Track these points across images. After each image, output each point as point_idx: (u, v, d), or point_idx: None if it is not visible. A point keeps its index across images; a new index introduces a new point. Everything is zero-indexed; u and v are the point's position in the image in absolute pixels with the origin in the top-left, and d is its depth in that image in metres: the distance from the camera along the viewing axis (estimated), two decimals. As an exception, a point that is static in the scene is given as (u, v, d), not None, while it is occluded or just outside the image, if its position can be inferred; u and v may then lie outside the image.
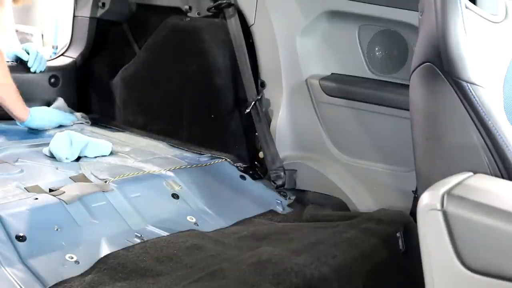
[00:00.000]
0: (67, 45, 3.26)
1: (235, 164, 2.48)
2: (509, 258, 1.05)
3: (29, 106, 2.65)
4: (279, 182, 2.43)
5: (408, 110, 1.44)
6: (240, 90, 2.56)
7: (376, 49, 2.28)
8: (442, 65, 1.26)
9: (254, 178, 2.45)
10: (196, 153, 2.58)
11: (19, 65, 2.91)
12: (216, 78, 2.59)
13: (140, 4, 3.10)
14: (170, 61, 2.76)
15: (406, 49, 2.19)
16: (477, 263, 1.08)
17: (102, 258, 1.70)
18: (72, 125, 2.83)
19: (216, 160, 2.48)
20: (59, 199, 1.87)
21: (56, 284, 1.57)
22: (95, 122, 3.04)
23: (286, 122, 2.47)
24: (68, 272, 1.64)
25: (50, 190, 1.96)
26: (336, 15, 2.30)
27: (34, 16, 5.67)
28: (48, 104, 2.93)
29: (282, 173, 2.43)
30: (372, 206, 2.21)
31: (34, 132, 2.67)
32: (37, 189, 1.97)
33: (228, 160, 2.49)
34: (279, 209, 2.29)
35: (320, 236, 1.87)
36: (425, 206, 1.13)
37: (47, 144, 2.39)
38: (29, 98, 2.73)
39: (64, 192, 1.92)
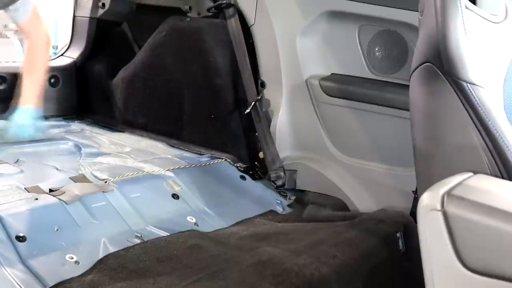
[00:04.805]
0: (67, 45, 3.26)
1: (235, 164, 2.48)
2: (509, 258, 1.05)
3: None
4: (279, 182, 2.43)
5: (408, 110, 1.43)
6: (240, 90, 2.56)
7: (376, 49, 2.28)
8: (442, 65, 1.26)
9: (254, 178, 2.45)
10: (196, 153, 2.58)
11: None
12: (216, 78, 2.59)
13: (140, 4, 3.10)
14: (170, 61, 2.75)
15: (406, 49, 2.19)
16: (477, 263, 1.08)
17: (102, 258, 1.70)
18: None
19: (216, 160, 2.48)
20: (59, 199, 1.87)
21: (56, 285, 1.58)
22: (95, 122, 3.04)
23: (286, 122, 2.47)
24: (68, 272, 1.64)
25: (50, 190, 1.97)
26: (336, 15, 2.30)
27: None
28: None
29: (282, 173, 2.43)
30: (372, 206, 2.21)
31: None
32: (37, 189, 1.97)
33: (228, 160, 2.49)
34: (279, 209, 2.29)
35: (320, 236, 1.87)
36: (425, 206, 1.12)
37: (47, 145, 2.39)
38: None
39: (64, 192, 1.93)
